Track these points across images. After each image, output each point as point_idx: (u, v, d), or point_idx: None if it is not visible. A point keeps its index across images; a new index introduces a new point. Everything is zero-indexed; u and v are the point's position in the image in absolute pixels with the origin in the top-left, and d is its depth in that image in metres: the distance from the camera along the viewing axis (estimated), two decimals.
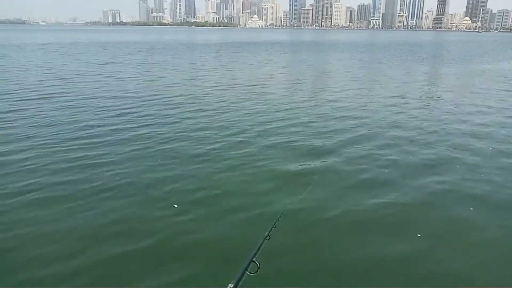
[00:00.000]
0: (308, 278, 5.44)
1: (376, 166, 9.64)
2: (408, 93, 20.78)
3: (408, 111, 16.16)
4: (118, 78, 25.35)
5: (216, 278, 5.18)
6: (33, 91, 19.26)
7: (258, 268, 2.64)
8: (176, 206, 7.38)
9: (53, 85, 21.37)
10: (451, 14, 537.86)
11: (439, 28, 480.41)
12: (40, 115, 14.28)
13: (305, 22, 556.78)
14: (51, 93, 18.85)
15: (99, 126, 12.81)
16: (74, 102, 16.77)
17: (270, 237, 3.21)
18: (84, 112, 14.86)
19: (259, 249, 2.87)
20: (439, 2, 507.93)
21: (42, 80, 23.27)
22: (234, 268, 2.57)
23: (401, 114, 15.52)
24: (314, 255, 6.01)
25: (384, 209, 7.39)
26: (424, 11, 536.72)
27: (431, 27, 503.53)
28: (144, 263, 5.67)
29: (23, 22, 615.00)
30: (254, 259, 2.69)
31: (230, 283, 2.29)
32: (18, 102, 16.74)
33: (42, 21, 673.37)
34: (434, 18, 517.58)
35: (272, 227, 3.41)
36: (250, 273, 2.55)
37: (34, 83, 21.95)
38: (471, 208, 7.46)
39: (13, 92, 19.00)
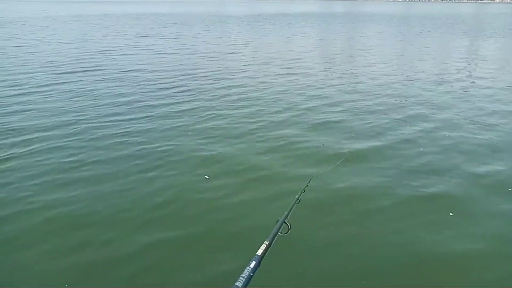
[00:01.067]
0: (334, 245, 5.55)
1: (423, 148, 9.33)
2: (456, 70, 19.97)
3: (458, 90, 15.48)
4: (157, 51, 25.53)
5: (251, 239, 5.34)
6: (75, 63, 19.77)
7: (289, 228, 2.77)
8: (207, 177, 7.54)
9: (92, 58, 21.79)
10: None
11: (481, 0, 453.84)
12: (81, 89, 14.65)
13: None
14: (92, 66, 19.33)
15: (140, 101, 13.05)
16: (115, 76, 17.17)
17: (300, 201, 3.32)
18: (125, 86, 15.19)
19: (290, 211, 2.97)
20: None
21: (82, 53, 23.78)
22: (268, 229, 2.69)
23: (451, 94, 14.88)
24: (342, 222, 6.13)
25: (428, 197, 7.14)
26: None
27: None
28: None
29: None
30: (285, 221, 2.80)
31: (265, 240, 2.42)
32: (61, 75, 17.21)
33: None
34: None
35: (302, 192, 3.54)
36: (281, 233, 2.67)
37: (75, 56, 22.51)
38: None
39: (55, 64, 19.57)
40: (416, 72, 19.25)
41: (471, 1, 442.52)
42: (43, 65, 19.19)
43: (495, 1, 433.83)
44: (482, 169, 8.10)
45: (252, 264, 2.10)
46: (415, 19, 73.63)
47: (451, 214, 6.35)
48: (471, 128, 10.71)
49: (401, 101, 13.56)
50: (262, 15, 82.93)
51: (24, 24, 46.42)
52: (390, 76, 18.21)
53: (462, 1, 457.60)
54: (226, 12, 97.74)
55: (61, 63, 19.84)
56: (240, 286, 1.91)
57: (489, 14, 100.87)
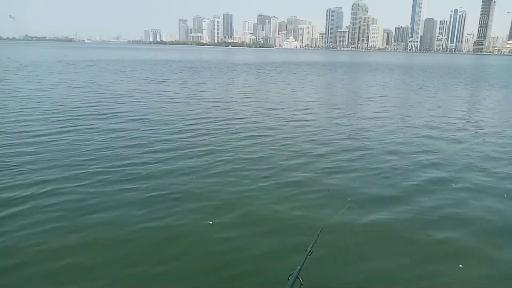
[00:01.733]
0: None
1: (419, 188, 9.56)
2: (460, 119, 20.16)
3: (464, 139, 15.48)
4: (167, 97, 25.90)
5: None
6: (87, 108, 20.12)
7: (301, 284, 2.67)
8: (210, 222, 7.41)
9: (104, 103, 22.01)
10: (493, 38, 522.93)
11: (480, 51, 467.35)
12: (92, 132, 14.58)
13: (341, 44, 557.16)
14: (103, 110, 19.44)
15: (149, 145, 12.97)
16: (125, 120, 17.26)
17: (312, 253, 3.23)
18: (136, 131, 15.18)
19: (303, 264, 2.88)
20: (480, 25, 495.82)
21: (94, 98, 24.07)
22: (278, 284, 2.71)
23: (458, 142, 14.90)
24: (355, 271, 5.99)
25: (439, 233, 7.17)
26: (465, 34, 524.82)
27: (471, 50, 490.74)
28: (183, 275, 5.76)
29: (70, 40, 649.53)
30: (298, 276, 2.71)
31: None
32: (70, 119, 17.06)
33: (88, 39, 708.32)
34: (475, 42, 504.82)
35: (314, 243, 3.42)
36: None
37: (87, 100, 22.94)
38: None
39: (67, 108, 19.79)
40: (421, 120, 19.43)
41: (470, 53, 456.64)
42: (55, 109, 19.41)
43: (494, 53, 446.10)
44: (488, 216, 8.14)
45: None
46: (417, 69, 75.55)
47: (460, 266, 6.21)
48: (479, 176, 10.72)
49: (405, 148, 13.54)
50: (268, 63, 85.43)
51: (38, 67, 47.92)
52: (396, 124, 18.37)
53: (462, 52, 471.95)
54: (233, 60, 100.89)
55: (72, 107, 20.04)
56: None
57: (488, 65, 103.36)
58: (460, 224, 7.62)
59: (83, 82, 33.40)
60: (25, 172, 9.75)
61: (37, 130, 14.52)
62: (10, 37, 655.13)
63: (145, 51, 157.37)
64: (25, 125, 15.27)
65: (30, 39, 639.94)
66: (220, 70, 56.05)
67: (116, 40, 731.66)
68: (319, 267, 5.68)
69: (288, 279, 2.67)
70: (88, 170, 10.16)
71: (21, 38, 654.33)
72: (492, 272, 6.02)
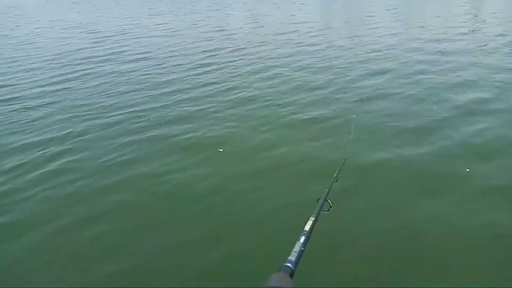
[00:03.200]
0: (372, 219, 5.36)
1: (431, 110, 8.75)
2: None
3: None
4: (169, 30, 23.52)
5: (295, 217, 5.18)
6: (89, 50, 19.44)
7: (331, 206, 2.86)
8: (221, 150, 7.22)
9: (104, 43, 20.17)
10: None
11: None
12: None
13: None
14: (107, 54, 17.50)
15: (161, 83, 12.09)
16: (131, 61, 15.65)
17: (337, 180, 3.44)
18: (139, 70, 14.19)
19: (329, 189, 3.05)
20: None
21: (95, 39, 22.25)
22: (311, 206, 2.67)
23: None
24: (378, 198, 5.84)
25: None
26: None
27: None
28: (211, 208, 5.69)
29: None
30: (327, 199, 2.88)
31: (311, 217, 2.49)
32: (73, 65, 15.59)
33: None
34: None
35: (339, 171, 3.64)
36: (323, 211, 2.73)
37: (88, 42, 22.16)
38: None
39: (66, 53, 18.49)
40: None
41: None
42: (55, 54, 17.75)
43: None
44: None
45: (302, 239, 2.18)
46: None
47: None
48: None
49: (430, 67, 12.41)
50: None
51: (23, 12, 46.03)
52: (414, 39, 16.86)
53: None
54: None
55: (71, 51, 18.21)
56: (293, 260, 2.00)
57: None
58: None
59: (75, 21, 31.04)
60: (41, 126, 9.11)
61: (41, 79, 13.45)
62: None
63: None
64: (27, 74, 14.31)
65: None
66: None
67: None
68: (346, 194, 5.62)
69: (317, 200, 2.82)
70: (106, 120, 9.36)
71: None
72: None
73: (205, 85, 11.39)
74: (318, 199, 2.87)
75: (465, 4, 27.59)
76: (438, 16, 22.80)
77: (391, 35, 17.32)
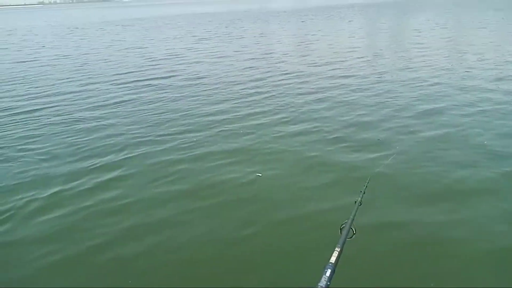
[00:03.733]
0: (401, 245, 5.34)
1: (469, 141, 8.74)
2: None
3: None
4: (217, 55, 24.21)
5: (318, 246, 5.08)
6: (137, 72, 20.51)
7: (354, 233, 2.76)
8: (260, 174, 7.37)
9: (156, 66, 21.59)
10: None
11: None
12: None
13: None
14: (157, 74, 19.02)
15: (211, 103, 12.66)
16: (180, 80, 16.83)
17: (361, 203, 3.28)
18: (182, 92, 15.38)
19: (354, 215, 2.94)
20: None
21: (143, 61, 24.39)
22: (333, 235, 2.69)
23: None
24: (406, 223, 5.78)
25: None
26: None
27: None
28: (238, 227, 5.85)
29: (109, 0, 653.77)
30: (351, 226, 2.79)
31: (336, 247, 2.43)
32: (122, 86, 16.95)
33: None
34: None
35: (363, 193, 3.45)
36: (348, 238, 2.68)
37: (135, 64, 23.36)
38: None
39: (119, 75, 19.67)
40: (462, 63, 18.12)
41: None
42: (117, 72, 19.07)
43: None
44: None
45: (328, 273, 2.09)
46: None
47: None
48: None
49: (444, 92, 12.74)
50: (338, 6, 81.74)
51: (77, 29, 49.25)
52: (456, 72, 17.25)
53: None
54: (272, 7, 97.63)
55: (130, 70, 19.29)
56: None
57: None
58: None
59: (135, 42, 32.93)
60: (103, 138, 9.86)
61: (105, 95, 14.44)
62: (52, 1, 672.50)
63: (185, 6, 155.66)
64: (89, 89, 15.51)
65: (70, 1, 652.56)
66: (256, 20, 54.44)
67: None
68: (370, 217, 5.63)
69: (341, 230, 2.75)
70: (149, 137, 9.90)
71: (62, 1, 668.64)
72: None
73: (250, 113, 11.47)
74: (341, 227, 2.77)
75: None
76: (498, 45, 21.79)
77: (443, 69, 16.74)
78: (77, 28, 53.63)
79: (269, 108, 11.59)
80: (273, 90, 13.73)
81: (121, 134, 9.90)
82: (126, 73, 18.52)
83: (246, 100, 12.62)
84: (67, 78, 17.62)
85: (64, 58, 24.57)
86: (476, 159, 7.64)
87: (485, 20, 35.54)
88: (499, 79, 13.70)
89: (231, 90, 14.09)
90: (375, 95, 12.54)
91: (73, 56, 25.26)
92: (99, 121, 11.08)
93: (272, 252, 5.37)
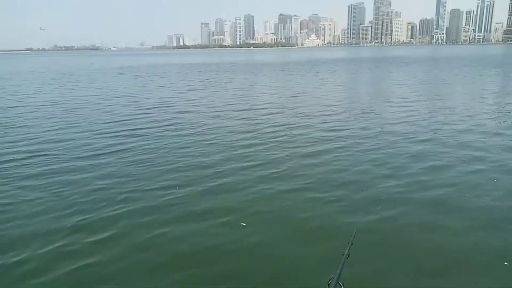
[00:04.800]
0: None
1: (449, 186, 9.36)
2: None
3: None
4: (206, 104, 25.78)
5: None
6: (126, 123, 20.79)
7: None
8: (244, 224, 7.47)
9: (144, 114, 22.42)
10: None
11: (510, 40, 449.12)
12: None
13: (364, 39, 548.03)
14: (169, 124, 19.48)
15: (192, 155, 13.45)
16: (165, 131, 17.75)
17: (349, 256, 3.21)
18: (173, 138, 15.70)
19: (341, 269, 2.87)
20: (510, 13, 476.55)
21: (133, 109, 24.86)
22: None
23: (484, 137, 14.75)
24: (394, 271, 5.91)
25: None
26: (493, 23, 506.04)
27: (500, 40, 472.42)
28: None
29: (97, 48, 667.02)
30: (338, 281, 2.72)
31: None
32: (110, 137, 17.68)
33: (114, 47, 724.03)
34: (504, 31, 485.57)
35: (350, 245, 3.40)
36: None
37: (124, 111, 23.66)
38: None
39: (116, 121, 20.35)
40: (454, 116, 19.22)
41: (499, 42, 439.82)
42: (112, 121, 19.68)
43: None
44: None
45: None
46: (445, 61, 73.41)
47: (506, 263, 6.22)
48: None
49: (437, 145, 13.59)
50: (291, 62, 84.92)
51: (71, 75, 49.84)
52: (425, 121, 18.27)
53: (490, 42, 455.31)
54: (255, 61, 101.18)
55: (118, 121, 19.38)
56: None
57: None
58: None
59: (124, 90, 33.99)
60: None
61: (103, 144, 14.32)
62: (41, 48, 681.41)
63: (170, 56, 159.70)
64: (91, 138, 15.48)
65: (59, 49, 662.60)
66: (243, 73, 56.27)
67: (141, 47, 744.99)
68: (358, 270, 5.60)
69: (328, 284, 2.67)
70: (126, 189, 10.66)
71: (51, 48, 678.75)
72: None
73: (237, 167, 11.61)
74: (329, 282, 2.70)
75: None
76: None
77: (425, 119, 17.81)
78: (67, 74, 54.39)
79: (256, 162, 11.71)
80: (260, 143, 13.98)
81: (105, 189, 9.59)
82: (114, 121, 18.69)
83: (233, 153, 12.70)
84: (52, 127, 17.44)
85: (51, 105, 24.69)
86: (463, 220, 7.90)
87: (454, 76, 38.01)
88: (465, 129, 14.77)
89: (220, 141, 14.32)
90: (360, 151, 12.85)
91: (61, 103, 25.46)
92: (81, 174, 10.79)
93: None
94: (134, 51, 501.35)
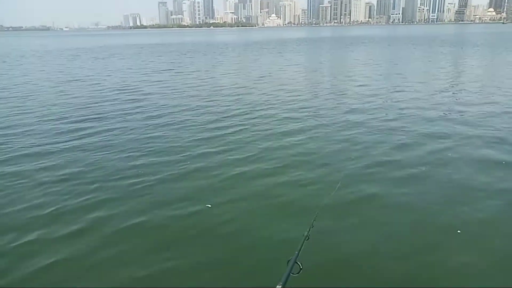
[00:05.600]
0: (348, 277, 5.51)
1: (404, 162, 9.75)
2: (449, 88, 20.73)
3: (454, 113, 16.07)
4: (170, 87, 25.66)
5: (260, 280, 5.26)
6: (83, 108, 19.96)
7: (301, 268, 2.71)
8: (210, 206, 7.55)
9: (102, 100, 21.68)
10: (474, 6, 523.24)
11: (462, 20, 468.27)
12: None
13: (324, 19, 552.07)
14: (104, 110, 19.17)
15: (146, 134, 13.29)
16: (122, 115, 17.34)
17: (309, 237, 3.22)
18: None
19: (300, 249, 2.90)
20: None
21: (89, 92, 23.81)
22: (276, 269, 2.71)
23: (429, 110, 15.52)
24: (352, 254, 6.03)
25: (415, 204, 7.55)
26: (446, 4, 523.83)
27: (453, 20, 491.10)
28: (186, 268, 5.76)
29: (48, 29, 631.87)
30: (296, 260, 2.75)
31: (277, 285, 2.37)
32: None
33: (66, 27, 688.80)
34: (456, 11, 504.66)
35: (311, 227, 3.43)
36: (293, 273, 2.62)
37: (81, 97, 22.65)
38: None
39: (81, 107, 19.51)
40: (397, 92, 19.99)
41: (452, 22, 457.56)
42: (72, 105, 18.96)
43: (475, 21, 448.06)
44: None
45: None
46: (403, 41, 75.70)
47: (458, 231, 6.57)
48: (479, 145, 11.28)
49: (382, 118, 14.25)
50: (253, 43, 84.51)
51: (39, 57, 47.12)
52: (373, 96, 18.91)
53: (444, 22, 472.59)
54: (216, 41, 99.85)
55: (80, 106, 19.43)
56: None
57: (474, 34, 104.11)
58: (461, 198, 7.79)
59: (80, 75, 32.50)
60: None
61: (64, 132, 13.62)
62: None
63: (126, 36, 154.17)
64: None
65: (5, 29, 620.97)
66: (205, 53, 55.50)
67: (95, 27, 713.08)
68: (318, 251, 5.69)
69: (287, 263, 2.70)
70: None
71: None
72: None
73: (203, 151, 12.06)
74: (288, 261, 2.72)
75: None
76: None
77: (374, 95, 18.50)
78: (17, 57, 51.26)
79: (222, 145, 11.57)
80: (225, 126, 13.78)
81: (69, 179, 9.06)
82: (75, 107, 17.63)
83: (200, 136, 12.48)
84: (4, 114, 16.11)
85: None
86: (418, 183, 8.47)
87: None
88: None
89: (187, 125, 14.04)
90: (327, 131, 12.95)
91: (13, 89, 23.69)
92: (42, 163, 10.21)
93: None
94: (88, 31, 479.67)
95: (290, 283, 2.50)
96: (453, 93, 19.33)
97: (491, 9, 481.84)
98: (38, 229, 6.85)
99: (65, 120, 14.93)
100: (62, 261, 5.96)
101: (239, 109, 16.57)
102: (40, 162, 10.22)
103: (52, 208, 7.60)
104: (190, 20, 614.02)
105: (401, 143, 11.27)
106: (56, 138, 12.41)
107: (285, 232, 6.45)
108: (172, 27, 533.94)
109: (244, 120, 14.56)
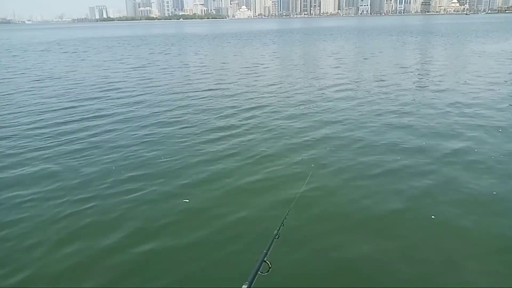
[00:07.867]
0: (319, 276, 5.42)
1: (375, 153, 9.85)
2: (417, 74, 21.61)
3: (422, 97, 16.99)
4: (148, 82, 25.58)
5: (228, 279, 5.22)
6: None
7: (270, 267, 2.66)
8: (187, 200, 7.60)
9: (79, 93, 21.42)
10: None
11: (428, 12, 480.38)
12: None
13: (294, 11, 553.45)
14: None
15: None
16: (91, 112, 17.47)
17: (279, 236, 3.16)
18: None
19: (269, 248, 2.84)
20: None
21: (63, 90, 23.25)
22: (245, 268, 2.65)
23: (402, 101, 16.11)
24: (324, 252, 5.92)
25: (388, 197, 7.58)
26: None
27: (419, 11, 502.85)
28: (154, 262, 5.82)
29: (9, 22, 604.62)
30: (265, 259, 2.70)
31: (243, 284, 2.31)
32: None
33: (28, 20, 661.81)
34: (422, 2, 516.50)
35: (281, 225, 3.35)
36: (262, 273, 2.57)
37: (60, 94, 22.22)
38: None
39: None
40: (366, 81, 20.78)
41: (418, 13, 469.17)
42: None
43: (440, 13, 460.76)
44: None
45: None
46: (369, 32, 77.17)
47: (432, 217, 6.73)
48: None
49: (352, 107, 14.81)
50: (222, 34, 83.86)
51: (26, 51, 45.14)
52: (354, 90, 19.57)
53: (410, 13, 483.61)
54: (185, 33, 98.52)
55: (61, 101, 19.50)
56: None
57: (439, 24, 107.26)
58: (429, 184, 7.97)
59: (55, 71, 31.64)
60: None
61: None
62: None
63: (95, 29, 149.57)
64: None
65: None
66: (179, 45, 54.84)
67: (60, 20, 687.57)
68: (288, 250, 5.64)
69: (256, 261, 2.65)
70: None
71: None
72: None
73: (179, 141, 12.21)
74: (257, 260, 2.66)
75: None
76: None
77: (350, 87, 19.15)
78: None
79: (201, 139, 11.42)
80: (204, 120, 13.60)
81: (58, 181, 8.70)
82: (54, 108, 16.16)
83: (179, 131, 12.25)
84: None
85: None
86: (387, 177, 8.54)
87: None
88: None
89: (167, 120, 13.71)
90: (305, 122, 12.92)
91: None
92: (21, 168, 9.83)
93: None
94: (52, 24, 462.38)
95: (259, 282, 2.45)
96: (422, 78, 20.31)
97: (455, 1, 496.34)
98: (34, 230, 6.77)
99: (41, 123, 13.80)
100: (53, 261, 5.93)
101: (221, 102, 16.63)
102: (16, 169, 9.97)
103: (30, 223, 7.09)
104: (158, 12, 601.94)
105: (376, 130, 11.62)
106: (30, 142, 11.54)
107: (255, 231, 6.38)
108: (140, 19, 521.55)
109: (224, 113, 14.50)
